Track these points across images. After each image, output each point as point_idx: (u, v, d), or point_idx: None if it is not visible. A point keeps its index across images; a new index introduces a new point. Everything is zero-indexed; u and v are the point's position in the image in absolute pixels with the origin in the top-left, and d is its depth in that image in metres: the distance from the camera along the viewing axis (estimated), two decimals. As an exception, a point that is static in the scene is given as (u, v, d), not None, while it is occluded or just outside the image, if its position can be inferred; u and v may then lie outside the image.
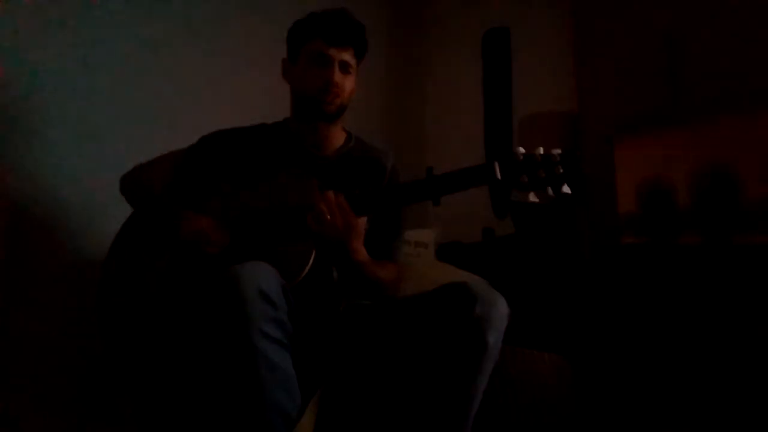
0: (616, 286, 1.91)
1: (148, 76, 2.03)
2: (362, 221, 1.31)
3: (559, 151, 1.18)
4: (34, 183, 1.79)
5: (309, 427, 1.26)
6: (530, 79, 2.56)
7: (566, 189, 1.18)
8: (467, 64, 2.79)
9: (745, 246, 1.72)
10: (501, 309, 1.20)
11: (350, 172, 1.44)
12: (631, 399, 1.74)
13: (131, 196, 1.49)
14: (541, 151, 1.19)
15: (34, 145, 1.79)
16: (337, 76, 1.37)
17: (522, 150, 1.20)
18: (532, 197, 1.19)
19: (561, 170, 1.16)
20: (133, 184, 1.49)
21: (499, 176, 1.19)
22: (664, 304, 1.78)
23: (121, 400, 1.47)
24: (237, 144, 1.45)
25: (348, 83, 1.41)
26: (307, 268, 1.26)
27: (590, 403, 1.75)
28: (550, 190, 1.18)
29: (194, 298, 1.27)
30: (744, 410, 1.56)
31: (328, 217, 1.22)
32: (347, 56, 1.39)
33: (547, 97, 2.44)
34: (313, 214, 1.23)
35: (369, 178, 1.46)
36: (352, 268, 1.31)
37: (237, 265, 1.12)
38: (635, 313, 1.84)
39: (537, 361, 1.80)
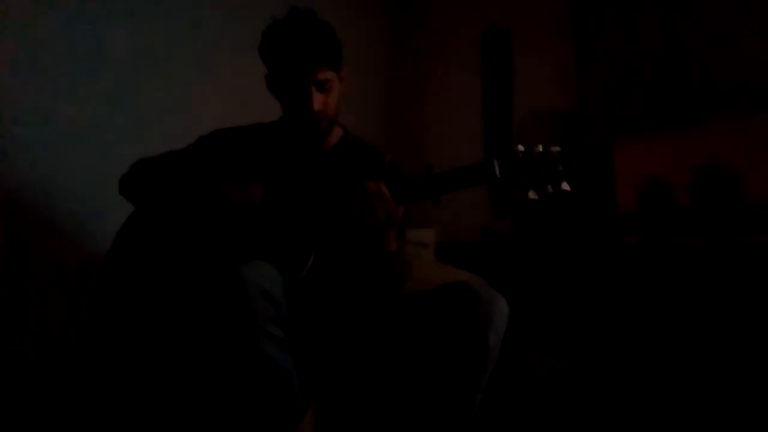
0: (616, 286, 1.90)
1: (148, 76, 2.03)
2: (401, 211, 1.29)
3: (558, 148, 1.18)
4: (33, 183, 1.79)
5: (310, 426, 1.25)
6: (530, 79, 2.56)
7: (566, 186, 1.17)
8: (467, 63, 2.79)
9: (746, 245, 1.71)
10: (501, 309, 1.19)
11: (348, 166, 1.44)
12: (631, 399, 1.74)
13: (133, 192, 1.48)
14: (541, 148, 1.18)
15: (34, 145, 1.79)
16: (317, 102, 1.31)
17: (521, 148, 1.19)
18: (532, 195, 1.18)
19: (561, 167, 1.16)
20: (136, 181, 1.48)
21: (498, 174, 1.19)
22: (664, 303, 1.78)
23: (120, 399, 1.47)
24: (234, 143, 1.45)
25: (331, 99, 1.35)
26: (307, 267, 1.25)
27: (590, 403, 1.75)
28: (549, 188, 1.18)
29: (197, 297, 1.27)
30: (745, 410, 1.56)
31: (365, 206, 1.21)
32: (323, 75, 1.31)
33: (547, 97, 2.44)
34: (355, 202, 1.22)
35: (366, 172, 1.45)
36: (384, 259, 1.30)
37: (239, 265, 1.12)
38: (635, 313, 1.84)
39: (537, 361, 1.80)
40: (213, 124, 1.50)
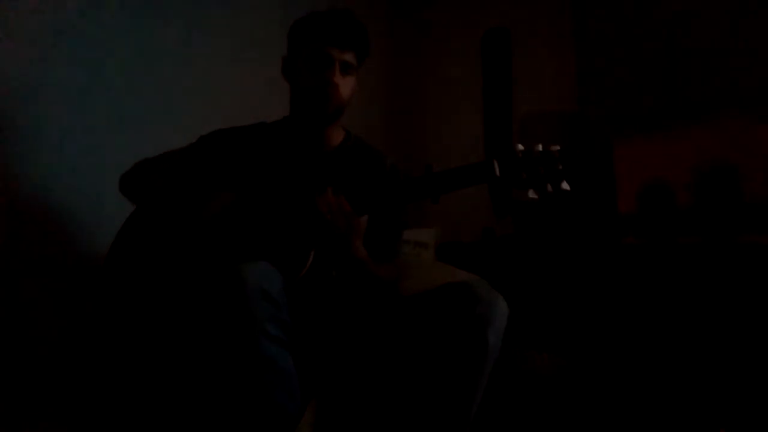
0: (616, 286, 1.90)
1: (148, 75, 2.03)
2: (363, 220, 1.30)
3: (558, 147, 1.17)
4: (34, 183, 1.79)
5: (309, 426, 1.25)
6: (530, 78, 2.56)
7: (566, 186, 1.17)
8: (467, 64, 2.79)
9: (746, 245, 1.71)
10: (501, 309, 1.20)
11: (350, 168, 1.44)
12: (631, 399, 1.74)
13: (135, 191, 1.48)
14: (540, 147, 1.18)
15: (35, 144, 1.79)
16: (338, 76, 1.35)
17: (521, 147, 1.19)
18: (532, 194, 1.18)
19: (560, 167, 1.16)
20: (137, 180, 1.48)
21: (498, 173, 1.18)
22: (664, 304, 1.78)
23: (120, 399, 1.47)
24: (236, 143, 1.45)
25: (348, 84, 1.38)
26: (307, 266, 1.25)
27: (590, 403, 1.75)
28: (549, 187, 1.18)
29: (196, 297, 1.27)
30: (744, 410, 1.56)
31: (329, 217, 1.22)
32: (348, 57, 1.36)
33: (547, 97, 2.44)
34: (316, 212, 1.23)
35: (369, 174, 1.45)
36: (353, 266, 1.30)
37: (239, 265, 1.11)
38: (635, 313, 1.84)
39: (537, 361, 1.80)
40: (215, 123, 1.50)
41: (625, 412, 1.71)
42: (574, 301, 1.96)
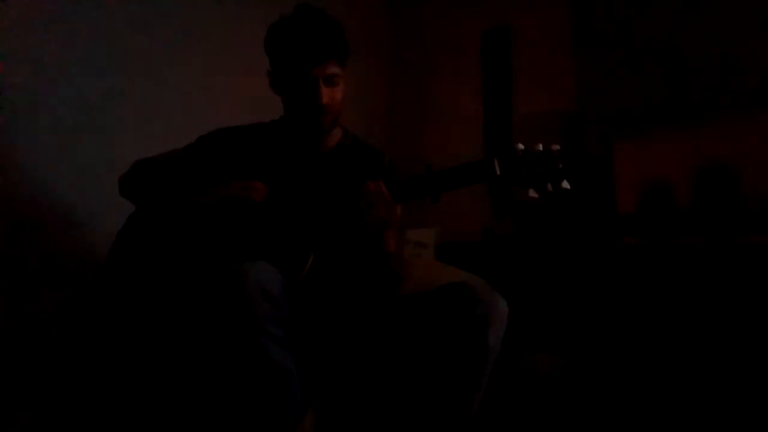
0: (616, 286, 1.90)
1: (148, 76, 2.03)
2: (399, 210, 1.29)
3: (558, 146, 1.17)
4: (33, 182, 1.79)
5: (310, 426, 1.25)
6: (530, 78, 2.56)
7: (566, 185, 1.17)
8: (467, 63, 2.79)
9: (745, 245, 1.71)
10: (501, 309, 1.20)
11: (348, 166, 1.44)
12: (631, 399, 1.74)
13: (134, 192, 1.47)
14: (541, 147, 1.18)
15: (35, 144, 1.79)
16: (325, 95, 1.32)
17: (521, 146, 1.19)
18: (532, 193, 1.18)
19: (560, 166, 1.16)
20: (136, 181, 1.47)
21: (498, 172, 1.18)
22: (663, 303, 1.78)
23: (120, 399, 1.47)
24: (235, 142, 1.45)
25: (337, 94, 1.36)
26: (307, 266, 1.25)
27: (590, 403, 1.75)
28: (549, 186, 1.18)
29: (197, 297, 1.27)
30: (744, 410, 1.56)
31: (365, 204, 1.21)
32: (331, 69, 1.32)
33: (546, 97, 2.44)
34: (355, 201, 1.21)
35: (367, 172, 1.45)
36: (382, 258, 1.31)
37: (239, 265, 1.12)
38: (635, 313, 1.84)
39: (537, 361, 1.80)
40: (213, 123, 1.50)
41: (625, 412, 1.71)
42: (574, 301, 1.96)
